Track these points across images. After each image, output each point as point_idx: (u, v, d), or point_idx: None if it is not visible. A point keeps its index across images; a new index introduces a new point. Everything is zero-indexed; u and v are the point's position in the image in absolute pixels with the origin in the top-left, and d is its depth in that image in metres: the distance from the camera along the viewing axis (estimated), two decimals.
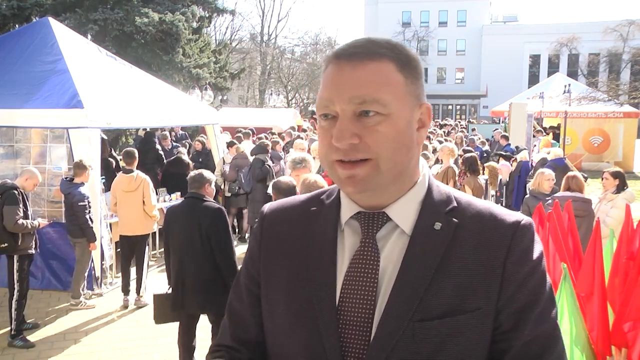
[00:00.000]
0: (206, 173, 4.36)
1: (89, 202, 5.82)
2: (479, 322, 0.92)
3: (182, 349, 4.39)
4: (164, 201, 8.11)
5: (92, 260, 6.25)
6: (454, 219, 0.97)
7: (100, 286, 6.47)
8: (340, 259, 1.01)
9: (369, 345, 0.93)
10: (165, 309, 4.28)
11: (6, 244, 4.98)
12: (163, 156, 10.07)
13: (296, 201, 1.14)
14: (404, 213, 0.99)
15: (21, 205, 5.06)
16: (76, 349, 5.03)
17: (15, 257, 5.08)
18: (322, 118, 0.96)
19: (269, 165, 8.40)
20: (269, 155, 8.72)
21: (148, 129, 10.76)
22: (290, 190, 3.80)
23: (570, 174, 5.88)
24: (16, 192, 5.07)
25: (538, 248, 0.96)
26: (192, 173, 4.38)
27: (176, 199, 8.33)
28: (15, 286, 5.05)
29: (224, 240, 4.12)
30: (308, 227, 1.06)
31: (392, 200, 0.99)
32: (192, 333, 4.41)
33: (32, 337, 5.21)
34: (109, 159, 9.01)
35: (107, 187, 8.09)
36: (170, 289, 4.27)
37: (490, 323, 0.93)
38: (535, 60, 46.01)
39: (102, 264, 6.48)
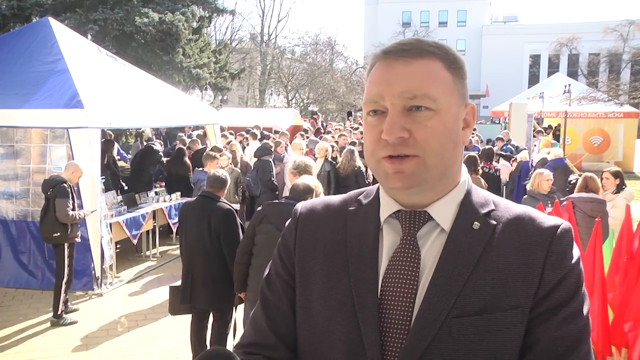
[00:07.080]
0: (228, 175, 4.53)
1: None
2: (517, 321, 0.92)
3: (193, 340, 4.46)
4: (164, 201, 8.11)
5: (93, 260, 6.27)
6: (492, 221, 0.98)
7: (101, 286, 6.47)
8: (379, 257, 1.01)
9: (406, 339, 0.93)
10: (179, 301, 4.40)
11: (59, 233, 5.51)
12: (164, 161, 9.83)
13: (332, 200, 1.14)
14: (445, 212, 0.99)
15: (70, 198, 5.53)
16: (76, 349, 5.03)
17: (66, 245, 5.59)
18: (370, 114, 0.97)
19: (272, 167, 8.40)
20: (272, 156, 8.68)
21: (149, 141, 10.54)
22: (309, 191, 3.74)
23: (587, 174, 5.83)
24: (66, 185, 5.52)
25: (576, 252, 0.97)
26: (212, 172, 4.45)
27: (176, 199, 8.34)
28: (66, 270, 5.59)
29: (234, 241, 4.17)
30: (346, 225, 1.06)
31: (435, 199, 0.99)
32: (202, 325, 4.47)
33: (32, 337, 5.22)
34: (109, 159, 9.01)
35: (107, 187, 8.11)
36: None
37: (527, 322, 0.94)
38: (535, 60, 45.99)
39: (102, 264, 6.48)
